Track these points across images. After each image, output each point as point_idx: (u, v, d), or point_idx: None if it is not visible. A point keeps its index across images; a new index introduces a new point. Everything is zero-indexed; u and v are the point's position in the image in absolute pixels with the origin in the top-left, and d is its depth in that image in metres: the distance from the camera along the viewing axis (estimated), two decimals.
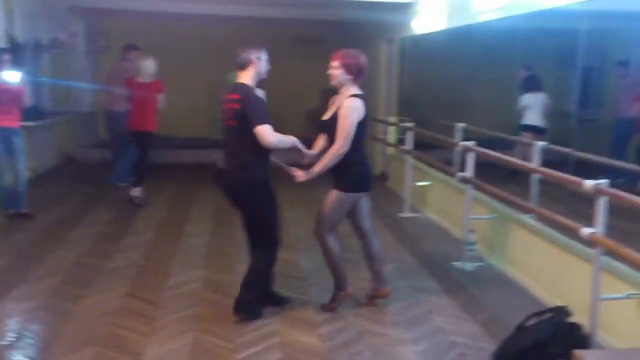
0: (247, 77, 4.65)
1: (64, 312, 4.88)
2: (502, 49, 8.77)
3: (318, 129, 5.01)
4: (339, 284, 5.10)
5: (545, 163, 5.93)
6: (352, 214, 5.05)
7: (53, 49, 11.57)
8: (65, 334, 4.54)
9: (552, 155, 6.26)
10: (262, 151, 4.57)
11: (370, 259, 5.23)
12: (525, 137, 8.64)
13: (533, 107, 9.05)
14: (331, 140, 4.79)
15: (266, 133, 4.46)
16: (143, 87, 8.39)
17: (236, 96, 4.57)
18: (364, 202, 5.09)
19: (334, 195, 4.87)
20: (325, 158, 4.76)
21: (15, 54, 8.29)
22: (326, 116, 4.89)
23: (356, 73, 4.78)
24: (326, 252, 4.99)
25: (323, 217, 4.90)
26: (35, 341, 4.48)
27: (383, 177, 11.00)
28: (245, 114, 4.50)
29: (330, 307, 5.06)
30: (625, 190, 4.02)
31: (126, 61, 9.27)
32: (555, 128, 9.50)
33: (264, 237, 4.80)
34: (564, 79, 10.27)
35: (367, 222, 5.17)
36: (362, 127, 4.79)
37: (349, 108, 4.70)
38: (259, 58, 4.68)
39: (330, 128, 4.81)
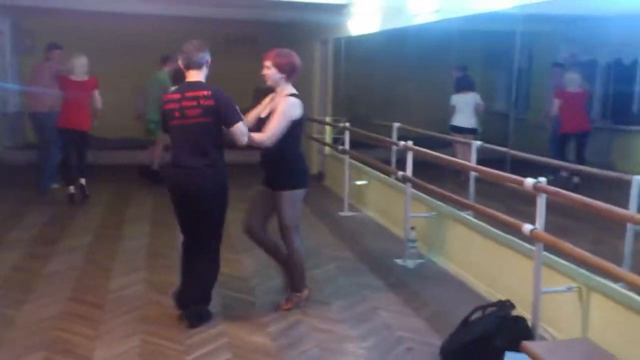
0: (201, 77, 4.60)
1: (6, 318, 4.74)
2: (436, 50, 8.97)
3: (254, 126, 4.94)
4: (299, 285, 5.12)
5: (479, 162, 6.14)
6: (270, 211, 5.04)
7: None
8: (9, 341, 4.42)
9: (485, 154, 6.47)
10: (223, 149, 4.60)
11: (281, 260, 5.21)
12: (456, 137, 8.91)
13: (462, 108, 9.30)
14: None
15: (244, 130, 4.55)
16: (78, 85, 8.29)
17: (206, 92, 4.49)
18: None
19: (285, 197, 4.88)
20: (253, 135, 4.68)
21: None
22: (264, 114, 4.88)
23: (289, 72, 4.80)
24: (292, 253, 5.03)
25: (286, 223, 4.93)
26: None
27: (320, 176, 11.08)
28: (219, 111, 4.47)
29: (284, 307, 5.07)
30: (560, 186, 4.19)
31: (50, 60, 9.06)
32: (488, 128, 9.81)
33: (215, 238, 4.77)
34: (496, 80, 10.62)
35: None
36: (298, 126, 4.84)
37: (288, 106, 4.73)
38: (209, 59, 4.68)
39: (266, 126, 4.78)
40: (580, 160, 7.98)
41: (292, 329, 4.74)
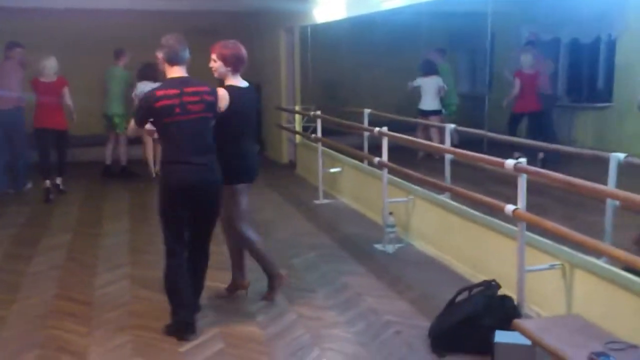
0: (186, 72, 4.52)
1: None
2: (403, 34, 9.07)
3: None
4: (271, 271, 5.11)
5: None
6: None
7: None
8: (3, 340, 4.43)
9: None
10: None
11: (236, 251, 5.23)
12: (423, 120, 9.08)
13: (427, 91, 9.45)
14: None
15: None
16: (48, 86, 8.40)
17: (207, 88, 4.48)
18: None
19: (223, 191, 4.72)
20: None
21: None
22: None
23: (235, 64, 4.73)
24: (247, 244, 5.01)
25: (228, 215, 4.89)
26: None
27: (291, 165, 11.12)
28: (216, 107, 4.51)
29: (270, 296, 5.09)
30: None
31: (10, 59, 8.94)
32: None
33: (210, 236, 4.76)
34: (460, 61, 10.76)
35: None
36: (233, 120, 4.67)
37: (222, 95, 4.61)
38: None
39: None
40: (546, 138, 8.13)
41: (281, 317, 4.80)
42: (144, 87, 9.11)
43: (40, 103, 8.48)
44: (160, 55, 4.49)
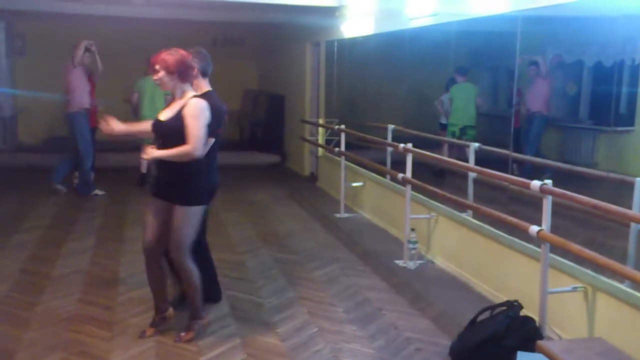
0: None
1: (21, 320, 4.79)
2: (429, 51, 9.08)
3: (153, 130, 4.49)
4: (197, 313, 4.62)
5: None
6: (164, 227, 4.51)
7: None
8: (26, 342, 4.48)
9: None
10: None
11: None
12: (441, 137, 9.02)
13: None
14: (164, 145, 4.33)
15: None
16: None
17: None
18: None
19: (183, 212, 4.35)
20: (172, 150, 4.26)
21: None
22: (162, 116, 4.42)
23: (180, 72, 4.29)
24: (189, 277, 4.48)
25: (181, 240, 4.37)
26: None
27: (312, 178, 11.16)
28: None
29: (188, 337, 4.53)
30: None
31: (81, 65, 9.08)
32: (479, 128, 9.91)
33: None
34: (487, 80, 10.75)
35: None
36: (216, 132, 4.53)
37: (196, 109, 4.28)
38: None
39: (167, 131, 4.34)
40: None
41: (302, 329, 4.81)
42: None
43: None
44: (197, 66, 4.57)
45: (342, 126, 8.76)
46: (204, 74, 4.76)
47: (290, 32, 12.16)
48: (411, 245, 6.33)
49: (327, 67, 10.75)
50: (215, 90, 4.73)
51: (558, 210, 4.47)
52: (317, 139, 10.69)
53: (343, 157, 8.60)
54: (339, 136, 8.74)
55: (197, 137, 4.23)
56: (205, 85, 4.78)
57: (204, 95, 4.58)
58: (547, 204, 4.30)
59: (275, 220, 8.20)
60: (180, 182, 4.35)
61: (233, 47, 14.57)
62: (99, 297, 5.31)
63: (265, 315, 5.07)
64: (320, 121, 10.66)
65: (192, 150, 4.23)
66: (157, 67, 4.32)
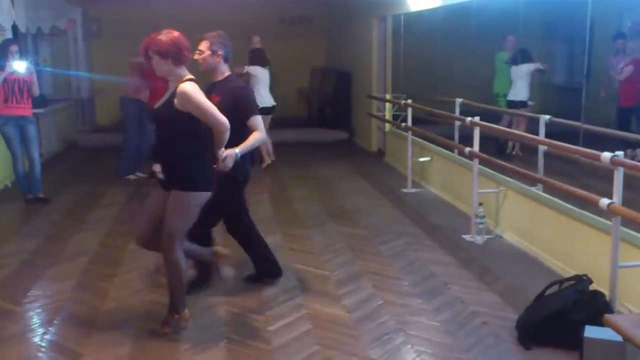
0: None
1: (101, 291, 5.00)
2: (498, 24, 8.90)
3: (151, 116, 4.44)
4: (176, 306, 4.33)
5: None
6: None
7: (53, 37, 11.67)
8: (104, 312, 4.70)
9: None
10: None
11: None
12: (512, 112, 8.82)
13: (516, 80, 9.15)
14: (159, 132, 4.25)
15: None
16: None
17: None
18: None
19: (175, 197, 4.16)
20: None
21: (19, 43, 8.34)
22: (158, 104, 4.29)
23: (174, 54, 4.09)
24: (174, 268, 4.23)
25: (170, 228, 4.15)
26: (80, 318, 4.63)
27: (380, 153, 11.15)
28: None
29: (163, 331, 4.30)
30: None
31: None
32: (550, 100, 9.68)
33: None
34: (556, 51, 10.44)
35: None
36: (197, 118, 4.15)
37: (189, 92, 4.04)
38: None
39: (160, 117, 4.22)
40: None
41: (367, 302, 4.85)
42: (254, 71, 9.31)
43: (150, 90, 8.64)
44: (220, 52, 4.61)
45: (409, 101, 8.71)
46: (226, 60, 4.75)
47: (356, 7, 12.10)
48: (479, 220, 6.26)
49: (393, 41, 10.68)
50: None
51: (631, 182, 4.36)
52: (384, 115, 10.67)
53: (410, 132, 8.55)
54: (406, 111, 8.70)
55: (215, 116, 4.08)
56: (226, 70, 4.76)
57: (225, 80, 4.68)
58: (618, 176, 4.19)
59: (342, 196, 8.24)
60: (179, 167, 4.16)
61: (300, 25, 14.62)
62: None
63: (332, 288, 5.13)
64: (387, 96, 10.62)
65: (222, 129, 4.11)
66: (149, 51, 4.09)
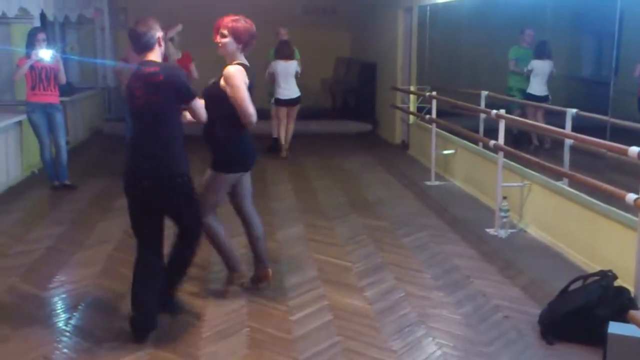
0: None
1: (124, 278, 5.01)
2: (525, 17, 8.81)
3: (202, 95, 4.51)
4: (232, 266, 4.81)
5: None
6: (231, 195, 4.75)
7: (80, 26, 11.77)
8: (128, 298, 4.66)
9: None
10: None
11: (252, 241, 4.89)
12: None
13: (537, 74, 9.05)
14: (208, 110, 4.33)
15: None
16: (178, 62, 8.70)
17: None
18: (245, 182, 4.76)
19: (209, 175, 4.59)
20: None
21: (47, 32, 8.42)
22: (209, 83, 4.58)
23: (248, 42, 4.49)
24: (211, 236, 4.67)
25: (201, 200, 4.45)
26: (105, 303, 4.74)
27: (404, 145, 11.11)
28: None
29: (226, 289, 4.82)
30: None
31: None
32: (578, 94, 9.54)
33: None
34: (584, 44, 10.30)
35: (248, 202, 4.84)
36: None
37: (234, 74, 4.36)
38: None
39: (209, 97, 4.47)
40: None
41: (389, 294, 4.85)
42: (276, 65, 9.37)
43: None
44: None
45: (434, 93, 8.66)
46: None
47: None
48: (503, 214, 6.22)
49: (419, 33, 10.60)
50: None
51: None
52: (409, 107, 10.62)
53: (434, 125, 8.51)
54: (431, 103, 8.65)
55: (244, 105, 4.35)
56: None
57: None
58: None
59: (365, 188, 8.24)
60: (217, 147, 4.52)
61: (324, 16, 14.60)
62: (196, 258, 5.46)
63: (353, 279, 5.14)
64: (412, 88, 10.56)
65: (248, 117, 4.39)
66: (225, 31, 4.43)
